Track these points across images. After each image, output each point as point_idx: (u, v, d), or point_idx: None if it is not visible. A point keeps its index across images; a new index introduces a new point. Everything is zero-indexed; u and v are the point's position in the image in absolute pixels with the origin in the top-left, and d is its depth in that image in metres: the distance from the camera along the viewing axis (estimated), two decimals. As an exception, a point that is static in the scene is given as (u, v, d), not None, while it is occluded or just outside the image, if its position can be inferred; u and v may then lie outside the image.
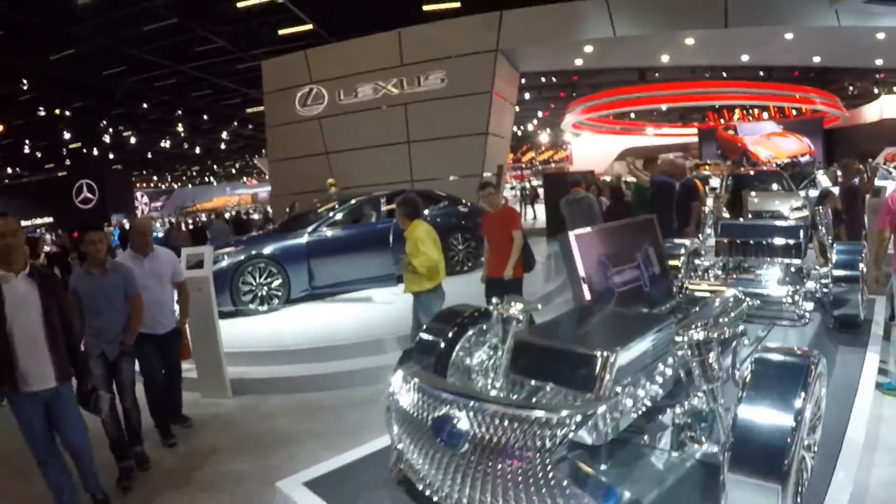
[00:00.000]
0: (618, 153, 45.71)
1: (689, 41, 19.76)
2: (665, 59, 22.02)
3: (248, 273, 10.77)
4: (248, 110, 35.71)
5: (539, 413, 2.98)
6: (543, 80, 32.08)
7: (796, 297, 6.19)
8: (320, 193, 16.42)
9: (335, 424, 6.80)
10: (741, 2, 17.84)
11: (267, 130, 21.04)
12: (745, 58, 23.63)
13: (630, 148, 45.33)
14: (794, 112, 42.45)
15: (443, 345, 4.28)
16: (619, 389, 3.40)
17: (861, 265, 6.66)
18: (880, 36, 19.87)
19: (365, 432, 5.33)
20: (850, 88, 40.16)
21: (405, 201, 7.18)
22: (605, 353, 3.39)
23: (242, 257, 10.85)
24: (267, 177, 63.45)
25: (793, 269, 6.81)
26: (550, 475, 2.88)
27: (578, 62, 20.91)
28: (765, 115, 43.33)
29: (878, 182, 13.27)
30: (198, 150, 50.05)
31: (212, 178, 78.02)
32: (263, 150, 47.92)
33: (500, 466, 2.97)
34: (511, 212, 7.93)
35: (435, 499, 3.23)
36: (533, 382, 3.62)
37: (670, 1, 18.01)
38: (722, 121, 44.30)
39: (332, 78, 19.55)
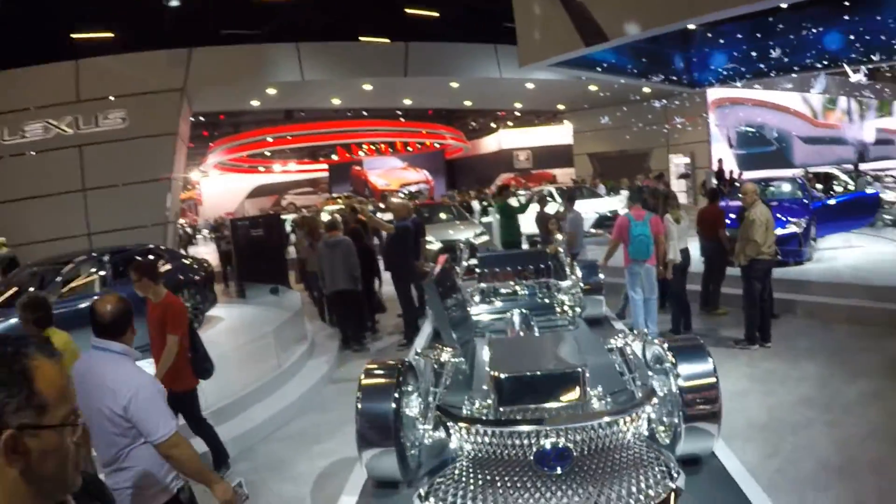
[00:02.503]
0: (248, 192, 46.35)
1: (367, 87, 21.91)
2: (336, 101, 22.72)
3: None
4: None
5: (621, 414, 3.92)
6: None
7: (565, 308, 7.94)
8: None
9: None
10: (419, 54, 20.52)
11: None
12: (407, 102, 26.91)
13: (262, 185, 46.66)
14: (418, 146, 46.31)
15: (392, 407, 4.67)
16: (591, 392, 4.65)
17: (601, 275, 8.78)
18: (529, 86, 24.44)
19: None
20: (473, 124, 47.26)
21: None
22: (581, 368, 4.29)
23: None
24: None
25: (547, 287, 8.55)
26: (645, 454, 3.90)
27: (255, 103, 20.43)
28: (391, 149, 44.82)
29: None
30: None
31: None
32: None
33: (602, 465, 3.71)
34: (174, 305, 6.53)
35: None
36: (526, 406, 4.30)
37: (357, 49, 20.04)
38: (352, 156, 45.06)
39: (-6, 112, 17.42)
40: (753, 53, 22.02)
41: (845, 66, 21.97)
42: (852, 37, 20.68)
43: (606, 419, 3.87)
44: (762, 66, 22.54)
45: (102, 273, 10.90)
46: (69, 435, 1.58)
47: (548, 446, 3.74)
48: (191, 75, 17.66)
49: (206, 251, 22.70)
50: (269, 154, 43.81)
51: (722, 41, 22.88)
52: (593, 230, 19.62)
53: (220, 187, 45.48)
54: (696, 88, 26.25)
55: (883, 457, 6.18)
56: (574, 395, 4.26)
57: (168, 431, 3.60)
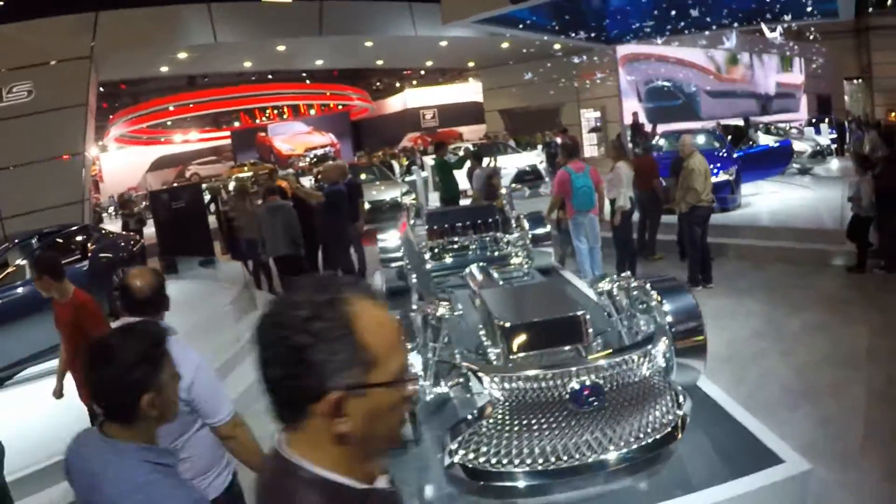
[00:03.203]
0: (149, 165, 44.44)
1: (281, 48, 21.42)
2: (248, 64, 22.05)
3: None
4: None
5: (639, 351, 4.11)
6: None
7: (517, 261, 8.26)
8: None
9: None
10: (334, 13, 20.20)
11: None
12: (319, 62, 26.64)
13: (162, 156, 45.00)
14: (322, 108, 46.69)
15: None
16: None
17: (547, 227, 9.10)
18: (443, 44, 24.53)
19: None
20: (378, 84, 46.88)
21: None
22: (582, 311, 4.56)
23: None
24: None
25: (496, 241, 8.73)
26: (661, 383, 4.18)
27: (164, 69, 19.70)
28: (294, 113, 44.42)
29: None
30: None
31: None
32: None
33: (627, 397, 3.92)
34: (87, 304, 5.73)
35: (569, 464, 3.87)
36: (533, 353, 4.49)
37: (271, 10, 19.47)
38: (256, 121, 44.25)
39: None
40: (672, 12, 22.23)
41: (762, 25, 22.55)
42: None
43: (636, 354, 4.07)
44: (681, 23, 22.88)
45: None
46: (402, 391, 1.40)
47: (578, 385, 3.85)
48: (98, 41, 16.71)
49: (114, 230, 21.95)
50: (170, 124, 42.72)
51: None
52: (514, 185, 19.60)
53: (120, 162, 43.71)
54: (612, 45, 26.61)
55: (839, 380, 6.98)
56: (579, 338, 4.49)
57: (231, 411, 3.35)
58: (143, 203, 29.75)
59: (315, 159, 32.64)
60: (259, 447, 3.35)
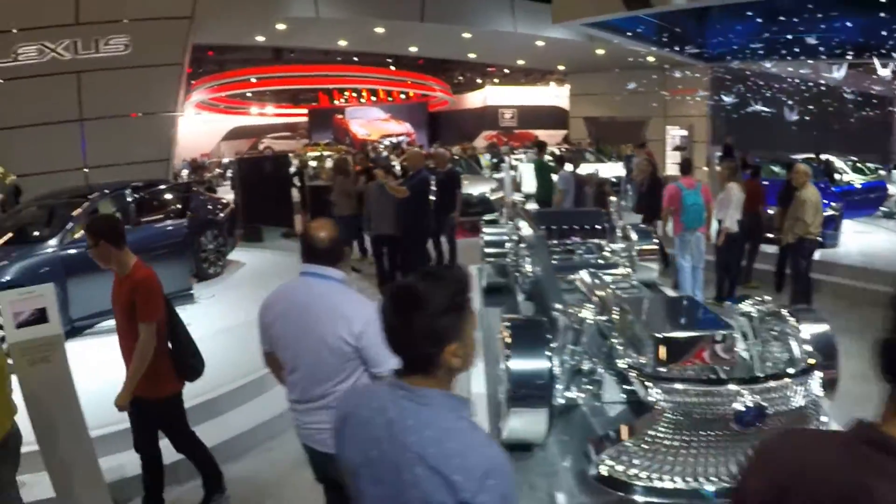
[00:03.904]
0: (224, 133, 45.29)
1: (380, 30, 21.10)
2: (343, 43, 21.91)
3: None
4: None
5: (803, 378, 4.19)
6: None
7: (621, 271, 7.76)
8: None
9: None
10: (438, 1, 19.98)
11: None
12: (413, 49, 26.45)
13: (238, 127, 45.56)
14: (402, 96, 46.52)
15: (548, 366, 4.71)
16: None
17: (656, 241, 8.94)
18: (539, 43, 24.02)
19: None
20: (460, 78, 46.80)
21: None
22: (731, 329, 4.62)
23: None
24: None
25: (601, 249, 8.53)
26: (813, 414, 4.22)
27: (260, 38, 19.52)
28: (374, 98, 44.64)
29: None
30: None
31: None
32: None
33: (783, 422, 3.92)
34: (145, 282, 4.84)
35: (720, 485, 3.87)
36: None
37: None
38: (334, 102, 44.42)
39: (-17, 32, 16.11)
40: (787, 36, 21.53)
41: (875, 59, 21.71)
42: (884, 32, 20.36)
43: (802, 378, 4.16)
44: (790, 49, 22.19)
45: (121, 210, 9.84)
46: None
47: (744, 405, 3.85)
48: (200, 2, 16.42)
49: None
50: (249, 95, 43.18)
51: (759, 20, 22.32)
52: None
53: (195, 127, 44.09)
54: (711, 63, 25.98)
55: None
56: (730, 356, 4.48)
57: (395, 363, 3.14)
58: (217, 170, 29.98)
59: (391, 146, 32.64)
60: None
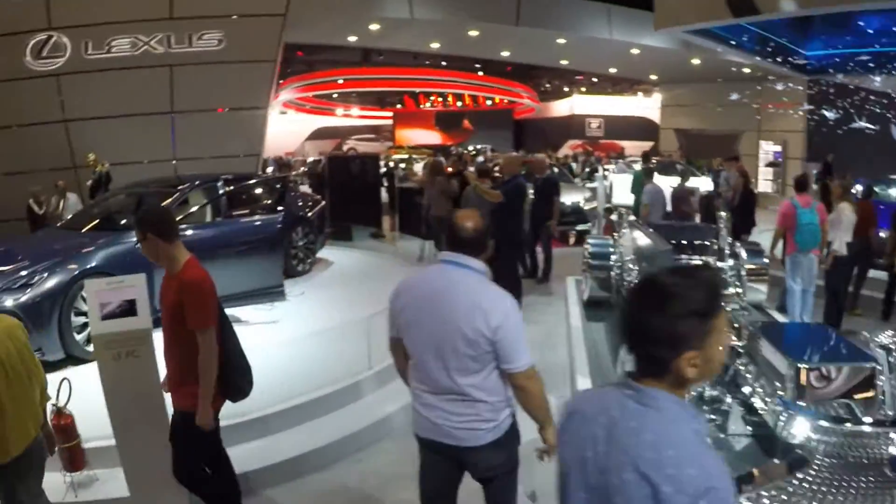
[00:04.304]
0: (309, 133, 45.44)
1: (473, 33, 20.94)
2: (435, 45, 21.71)
3: (81, 298, 7.53)
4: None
5: None
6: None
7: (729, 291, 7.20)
8: (59, 175, 14.17)
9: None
10: (535, 4, 19.64)
11: None
12: (505, 53, 26.06)
13: (323, 127, 45.81)
14: (488, 102, 45.97)
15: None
16: None
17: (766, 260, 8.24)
18: (634, 51, 23.55)
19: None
20: (547, 86, 46.02)
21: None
22: (872, 362, 4.21)
23: (66, 276, 7.52)
24: None
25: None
26: None
27: (352, 38, 19.41)
28: (459, 103, 44.41)
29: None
30: None
31: None
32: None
33: None
34: (195, 285, 4.24)
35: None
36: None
37: None
38: (419, 106, 44.69)
39: (78, 25, 15.98)
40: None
41: None
42: None
43: None
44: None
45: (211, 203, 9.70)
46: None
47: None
48: (295, 1, 16.40)
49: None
50: (335, 96, 43.44)
51: (870, 30, 21.36)
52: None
53: (282, 126, 44.65)
54: (812, 76, 25.05)
55: None
56: (871, 392, 4.09)
57: (529, 362, 3.41)
58: (302, 169, 30.15)
59: (474, 152, 32.38)
60: (547, 402, 3.52)
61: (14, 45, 15.85)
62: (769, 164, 29.20)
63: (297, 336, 7.86)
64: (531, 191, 11.57)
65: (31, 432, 3.84)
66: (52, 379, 4.91)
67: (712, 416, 4.70)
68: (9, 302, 7.04)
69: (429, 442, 3.61)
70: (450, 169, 13.35)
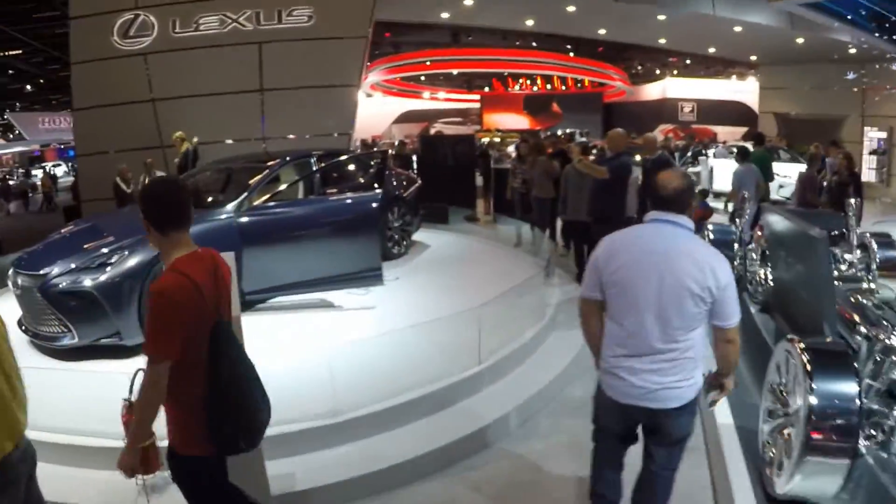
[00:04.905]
0: (396, 116, 45.43)
1: (571, 9, 20.09)
2: (530, 23, 20.97)
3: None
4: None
5: None
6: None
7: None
8: (146, 153, 14.18)
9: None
10: None
11: (72, 68, 16.53)
12: (601, 31, 25.51)
13: (410, 111, 45.72)
14: (577, 85, 45.05)
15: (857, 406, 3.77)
16: None
17: None
18: (737, 29, 22.61)
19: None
20: (639, 68, 44.82)
21: None
22: None
23: (148, 255, 6.86)
24: (14, 136, 55.18)
25: (835, 258, 7.16)
26: None
27: (444, 15, 18.74)
28: (548, 86, 43.59)
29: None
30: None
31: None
32: (17, 104, 40.80)
33: None
34: (159, 296, 3.10)
35: None
36: None
37: None
38: (507, 89, 43.83)
39: (165, 3, 15.87)
40: None
41: None
42: None
43: None
44: None
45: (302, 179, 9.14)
46: None
47: None
48: (387, -25, 15.89)
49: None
50: (423, 79, 43.08)
51: None
52: (782, 197, 17.60)
53: (369, 109, 44.44)
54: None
55: None
56: None
57: (739, 317, 3.48)
58: (390, 151, 29.88)
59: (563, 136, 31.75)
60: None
61: (102, 26, 15.86)
62: (872, 152, 27.77)
63: (393, 325, 7.15)
64: (639, 171, 10.72)
65: (7, 446, 2.99)
66: (126, 368, 4.41)
67: (872, 432, 4.05)
68: (87, 282, 6.56)
69: (626, 407, 3.59)
70: (549, 149, 12.55)
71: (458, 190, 15.25)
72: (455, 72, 41.50)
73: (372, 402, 5.52)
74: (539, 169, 11.50)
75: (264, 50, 15.84)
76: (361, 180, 9.95)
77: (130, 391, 4.37)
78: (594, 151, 13.31)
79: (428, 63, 36.94)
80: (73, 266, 6.71)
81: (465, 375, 6.08)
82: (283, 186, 8.58)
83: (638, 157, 11.32)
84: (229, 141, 15.31)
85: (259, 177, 8.43)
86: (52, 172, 42.23)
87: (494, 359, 6.33)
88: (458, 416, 5.71)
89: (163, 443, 3.38)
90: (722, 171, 18.69)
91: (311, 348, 6.70)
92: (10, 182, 38.92)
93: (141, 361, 3.74)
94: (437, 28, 29.16)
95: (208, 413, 3.22)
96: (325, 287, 8.19)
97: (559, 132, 35.25)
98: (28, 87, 42.52)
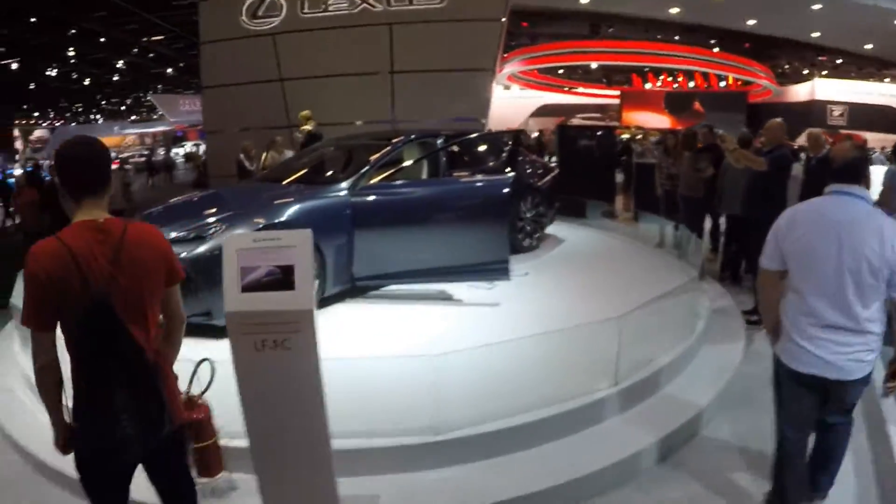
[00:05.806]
0: (533, 109, 44.17)
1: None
2: (674, 11, 19.77)
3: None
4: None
5: None
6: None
7: None
8: (273, 132, 13.73)
9: None
10: None
11: (201, 48, 16.94)
12: (751, 22, 24.93)
13: (547, 104, 44.26)
14: (721, 84, 42.67)
15: None
16: None
17: None
18: None
19: None
20: (785, 66, 42.59)
21: None
22: None
23: (249, 229, 6.39)
24: (156, 116, 57.90)
25: None
26: None
27: (584, 1, 17.63)
28: (690, 83, 42.00)
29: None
30: (87, 83, 44.54)
31: (97, 116, 69.65)
32: (159, 86, 42.30)
33: None
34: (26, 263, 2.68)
35: None
36: None
37: None
38: (647, 85, 42.41)
39: (294, -17, 16.08)
40: None
41: None
42: None
43: None
44: None
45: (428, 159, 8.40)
46: None
47: None
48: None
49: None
50: (560, 72, 42.12)
51: None
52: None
53: (506, 101, 43.67)
54: None
55: None
56: None
57: None
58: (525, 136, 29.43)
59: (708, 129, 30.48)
60: None
61: (231, 6, 16.05)
62: None
63: (520, 328, 6.10)
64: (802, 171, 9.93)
65: None
66: (193, 356, 3.81)
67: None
68: (182, 254, 5.92)
69: (810, 377, 3.62)
70: (700, 143, 11.39)
71: (597, 183, 14.40)
72: (593, 65, 40.26)
73: (481, 421, 4.68)
74: (687, 165, 10.54)
75: (395, 31, 15.48)
76: (491, 163, 9.19)
77: (190, 383, 3.89)
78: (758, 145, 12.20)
79: (565, 54, 35.92)
80: (173, 235, 6.16)
81: (596, 397, 5.11)
82: (403, 165, 7.95)
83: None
84: (359, 122, 14.99)
85: (378, 154, 7.74)
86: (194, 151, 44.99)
87: (630, 381, 5.36)
88: (583, 448, 4.75)
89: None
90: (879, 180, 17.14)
91: (420, 346, 5.75)
92: (154, 159, 41.44)
93: (216, 349, 3.10)
94: (576, 17, 28.30)
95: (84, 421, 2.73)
96: (445, 279, 7.46)
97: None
98: (169, 70, 44.07)
